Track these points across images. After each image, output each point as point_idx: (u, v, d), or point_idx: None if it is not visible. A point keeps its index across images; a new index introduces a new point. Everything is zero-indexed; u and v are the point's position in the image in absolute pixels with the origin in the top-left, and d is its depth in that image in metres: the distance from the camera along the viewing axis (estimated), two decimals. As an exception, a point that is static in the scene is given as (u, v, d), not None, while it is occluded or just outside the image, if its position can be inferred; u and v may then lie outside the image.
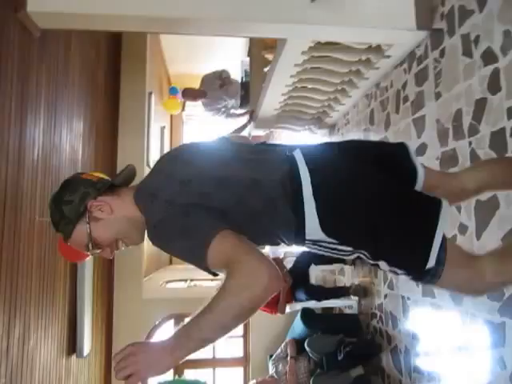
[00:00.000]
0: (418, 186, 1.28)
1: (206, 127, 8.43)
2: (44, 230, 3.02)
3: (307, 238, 1.13)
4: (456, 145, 2.27)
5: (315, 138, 4.77)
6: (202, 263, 1.02)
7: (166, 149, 7.98)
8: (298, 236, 1.14)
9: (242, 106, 5.46)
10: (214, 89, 5.37)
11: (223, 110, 5.49)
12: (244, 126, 4.69)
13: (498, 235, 1.94)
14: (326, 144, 1.38)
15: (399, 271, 1.14)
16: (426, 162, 2.56)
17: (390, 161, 1.27)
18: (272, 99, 3.76)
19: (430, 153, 2.53)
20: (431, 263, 1.08)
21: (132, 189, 1.23)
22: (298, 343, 3.94)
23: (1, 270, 2.46)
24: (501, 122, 1.94)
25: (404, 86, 2.89)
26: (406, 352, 2.88)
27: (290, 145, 1.30)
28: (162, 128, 7.24)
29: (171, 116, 8.94)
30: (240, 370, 5.30)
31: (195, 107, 9.55)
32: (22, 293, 2.74)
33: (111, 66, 5.07)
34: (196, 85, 5.78)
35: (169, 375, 4.61)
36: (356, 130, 3.78)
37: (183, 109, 9.08)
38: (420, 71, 2.67)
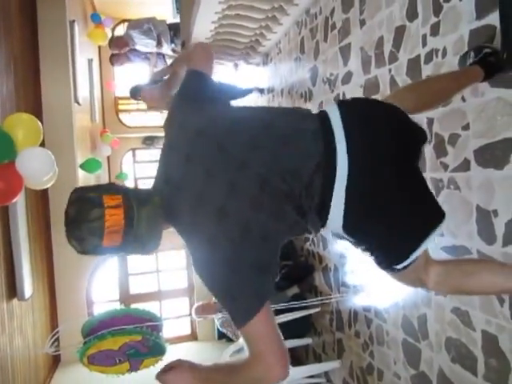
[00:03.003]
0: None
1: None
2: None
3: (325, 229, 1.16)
4: (378, 72, 2.36)
5: (248, 68, 4.71)
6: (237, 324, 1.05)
7: (96, 84, 7.55)
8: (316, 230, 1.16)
9: (172, 42, 5.21)
10: (140, 33, 5.07)
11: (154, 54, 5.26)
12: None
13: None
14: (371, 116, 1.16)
15: (371, 256, 1.24)
16: (351, 90, 2.65)
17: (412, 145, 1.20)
18: (203, 27, 3.63)
19: (355, 81, 2.60)
20: (405, 264, 1.18)
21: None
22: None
23: None
24: (417, 49, 2.02)
25: (332, 12, 2.88)
26: (335, 270, 3.13)
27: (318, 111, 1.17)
28: (90, 61, 6.80)
29: (99, 48, 8.38)
30: (185, 300, 5.53)
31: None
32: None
33: (24, -10, 4.59)
34: (124, 13, 5.43)
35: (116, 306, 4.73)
36: (288, 59, 3.77)
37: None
38: (346, -3, 2.67)
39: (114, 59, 5.43)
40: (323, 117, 1.12)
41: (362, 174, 1.05)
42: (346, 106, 1.16)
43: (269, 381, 1.02)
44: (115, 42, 5.31)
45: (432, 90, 1.47)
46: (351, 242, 1.21)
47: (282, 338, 1.08)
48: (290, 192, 1.04)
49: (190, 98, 1.21)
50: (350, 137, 1.06)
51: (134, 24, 5.17)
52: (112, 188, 1.01)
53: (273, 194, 1.03)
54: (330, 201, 1.06)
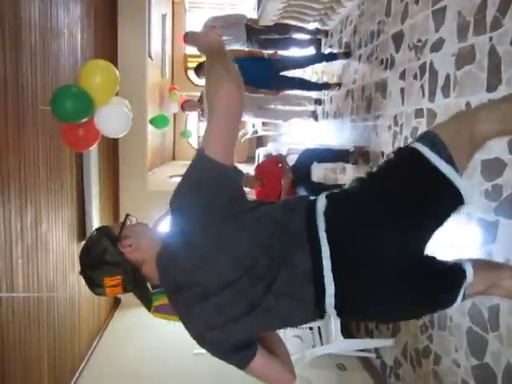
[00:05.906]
0: None
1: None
2: (48, 119, 3.00)
3: None
4: (475, 40, 2.15)
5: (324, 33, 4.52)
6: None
7: (168, 39, 7.61)
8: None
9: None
10: None
11: None
12: None
13: None
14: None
15: None
16: (441, 59, 2.45)
17: None
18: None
19: (447, 49, 2.40)
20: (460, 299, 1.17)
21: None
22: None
23: (9, 157, 2.49)
24: (527, 16, 1.81)
25: (427, -28, 2.65)
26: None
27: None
28: (164, 16, 6.83)
29: (173, 3, 8.39)
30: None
31: (199, -7, 8.90)
32: (31, 180, 2.81)
33: None
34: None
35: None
36: (370, 22, 3.55)
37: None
38: (447, -45, 2.43)
39: (185, 105, 5.23)
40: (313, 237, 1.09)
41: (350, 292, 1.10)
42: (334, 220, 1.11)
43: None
44: (189, 105, 5.13)
45: None
46: None
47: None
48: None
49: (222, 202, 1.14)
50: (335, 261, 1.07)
51: None
52: (115, 267, 1.18)
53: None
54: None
